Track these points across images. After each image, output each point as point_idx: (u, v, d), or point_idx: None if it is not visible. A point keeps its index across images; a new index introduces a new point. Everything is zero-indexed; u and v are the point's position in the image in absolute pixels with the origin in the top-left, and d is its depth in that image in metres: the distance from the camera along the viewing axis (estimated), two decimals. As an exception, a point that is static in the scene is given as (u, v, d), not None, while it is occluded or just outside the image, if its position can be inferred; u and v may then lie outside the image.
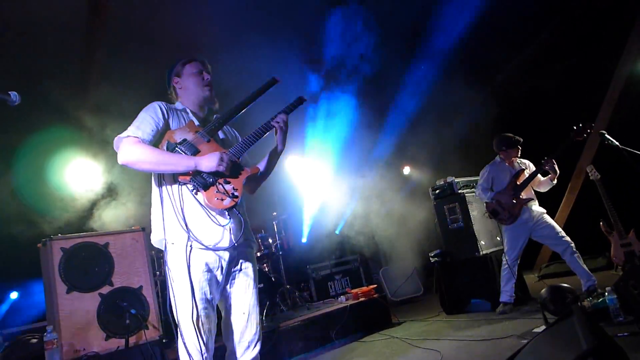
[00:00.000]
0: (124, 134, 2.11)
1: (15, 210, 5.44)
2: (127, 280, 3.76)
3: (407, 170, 8.95)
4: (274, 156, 2.51)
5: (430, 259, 5.58)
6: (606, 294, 3.46)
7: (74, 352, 3.35)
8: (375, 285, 5.85)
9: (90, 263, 3.64)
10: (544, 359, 1.87)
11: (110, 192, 5.48)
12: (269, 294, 5.33)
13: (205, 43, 5.81)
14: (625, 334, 3.06)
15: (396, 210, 7.85)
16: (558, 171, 4.64)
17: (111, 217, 5.12)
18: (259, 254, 5.91)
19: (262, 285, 5.31)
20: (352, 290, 5.72)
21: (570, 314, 2.10)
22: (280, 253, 6.39)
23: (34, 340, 3.48)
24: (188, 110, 2.37)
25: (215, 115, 2.45)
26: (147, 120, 2.16)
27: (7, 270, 5.44)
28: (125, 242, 3.89)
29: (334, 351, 4.62)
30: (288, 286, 6.24)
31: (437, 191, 5.60)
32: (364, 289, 5.68)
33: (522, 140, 4.88)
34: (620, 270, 5.16)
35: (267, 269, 5.90)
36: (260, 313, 4.86)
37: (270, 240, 6.28)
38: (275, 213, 6.67)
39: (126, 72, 5.83)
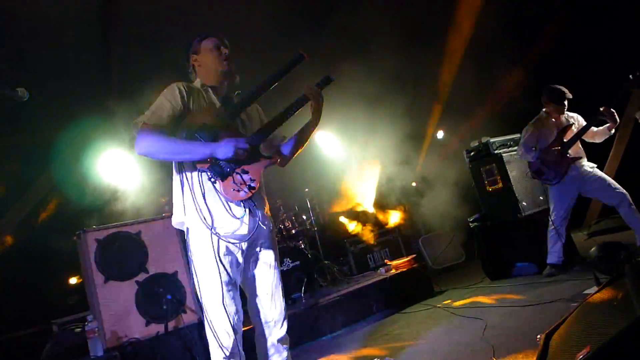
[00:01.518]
0: (140, 119, 2.10)
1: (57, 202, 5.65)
2: (162, 267, 3.80)
3: (440, 134, 8.63)
4: (307, 130, 2.41)
5: (470, 224, 5.37)
6: (664, 248, 3.20)
7: (116, 340, 3.43)
8: (414, 255, 5.72)
9: (124, 252, 3.70)
10: (594, 326, 1.70)
11: (143, 179, 5.56)
12: (306, 271, 5.30)
13: (230, 23, 5.70)
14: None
15: (432, 176, 7.62)
16: (618, 120, 4.25)
17: (145, 204, 5.21)
18: (294, 232, 5.88)
19: (298, 262, 5.29)
20: (391, 262, 5.62)
21: (621, 275, 1.91)
22: (316, 229, 6.33)
23: (78, 330, 3.59)
24: (209, 89, 2.29)
25: (236, 92, 2.36)
26: (164, 105, 2.10)
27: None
28: (157, 229, 3.92)
29: (376, 324, 4.56)
30: (326, 261, 6.21)
31: (472, 153, 5.33)
32: (403, 259, 5.56)
33: (571, 96, 4.50)
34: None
35: (303, 246, 5.86)
36: (299, 290, 4.96)
37: (305, 217, 6.23)
38: (307, 189, 6.59)
39: (149, 59, 5.83)
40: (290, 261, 5.28)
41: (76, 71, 5.80)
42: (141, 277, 3.68)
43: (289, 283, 5.13)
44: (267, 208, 2.32)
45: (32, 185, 6.24)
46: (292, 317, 4.35)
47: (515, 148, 5.11)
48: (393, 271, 5.36)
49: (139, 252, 3.75)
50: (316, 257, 6.31)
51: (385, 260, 6.47)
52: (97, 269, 3.54)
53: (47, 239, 5.51)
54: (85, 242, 3.57)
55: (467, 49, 7.19)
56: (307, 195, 6.55)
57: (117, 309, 3.51)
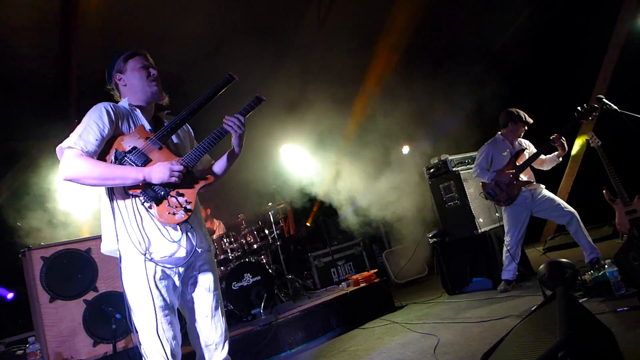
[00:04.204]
0: (65, 143, 1.94)
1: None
2: (112, 285, 3.70)
3: (406, 149, 8.73)
4: (231, 159, 2.37)
5: (429, 239, 5.44)
6: (606, 266, 3.31)
7: (61, 361, 3.30)
8: (375, 270, 5.74)
9: (73, 270, 3.58)
10: (524, 348, 1.73)
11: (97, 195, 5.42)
12: (267, 286, 5.25)
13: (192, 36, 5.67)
14: (625, 308, 2.91)
15: (396, 191, 7.69)
16: (567, 148, 4.43)
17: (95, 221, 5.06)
18: (255, 246, 5.82)
19: (259, 277, 5.24)
20: (353, 276, 5.62)
21: (553, 298, 1.96)
22: (279, 243, 6.29)
23: (20, 352, 3.45)
24: (137, 112, 2.21)
25: (166, 112, 2.32)
26: (91, 127, 1.98)
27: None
28: (109, 245, 3.81)
29: (335, 340, 4.54)
30: (289, 276, 6.16)
31: (432, 170, 5.43)
32: (365, 274, 5.57)
33: (531, 121, 4.66)
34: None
35: (264, 261, 5.81)
36: (258, 306, 4.89)
37: (267, 231, 6.18)
38: (270, 203, 6.55)
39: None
40: (250, 276, 5.22)
41: (33, 83, 5.66)
42: (90, 295, 3.57)
43: (249, 299, 5.07)
44: (205, 229, 2.28)
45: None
46: (250, 333, 4.31)
47: (473, 166, 5.23)
48: (353, 286, 5.36)
49: (88, 270, 3.64)
50: (279, 271, 6.26)
51: (347, 275, 6.47)
52: (42, 288, 3.41)
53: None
54: (29, 260, 3.44)
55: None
56: (270, 209, 6.51)
57: (63, 329, 3.38)
